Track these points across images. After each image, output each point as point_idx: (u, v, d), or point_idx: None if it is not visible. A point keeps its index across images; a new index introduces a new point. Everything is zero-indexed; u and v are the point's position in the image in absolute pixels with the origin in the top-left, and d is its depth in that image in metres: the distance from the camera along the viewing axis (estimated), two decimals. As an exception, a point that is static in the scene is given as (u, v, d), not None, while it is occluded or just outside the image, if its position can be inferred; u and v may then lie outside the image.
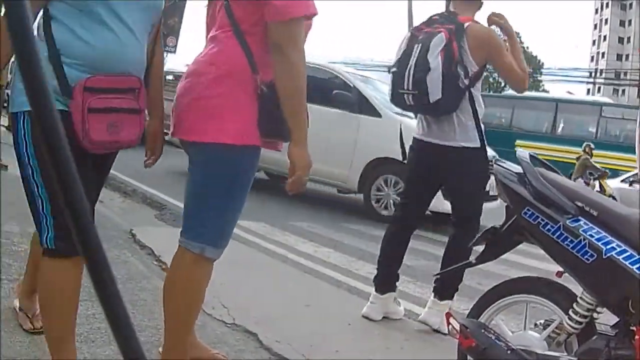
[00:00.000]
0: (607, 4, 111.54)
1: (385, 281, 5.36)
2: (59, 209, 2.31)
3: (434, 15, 5.20)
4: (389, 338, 4.93)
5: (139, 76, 3.10)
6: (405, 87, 4.94)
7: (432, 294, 5.30)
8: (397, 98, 5.10)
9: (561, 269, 3.39)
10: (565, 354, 3.36)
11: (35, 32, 2.76)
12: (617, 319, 3.28)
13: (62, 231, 2.94)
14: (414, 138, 5.33)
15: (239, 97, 3.14)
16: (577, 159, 22.84)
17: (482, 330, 3.46)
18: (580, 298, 3.31)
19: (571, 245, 3.15)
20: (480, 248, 3.70)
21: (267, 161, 11.58)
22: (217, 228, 3.34)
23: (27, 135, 2.89)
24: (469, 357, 3.65)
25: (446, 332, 4.81)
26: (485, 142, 5.07)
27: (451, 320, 3.58)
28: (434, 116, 5.09)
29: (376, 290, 5.34)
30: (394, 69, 5.11)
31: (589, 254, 3.12)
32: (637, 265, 3.05)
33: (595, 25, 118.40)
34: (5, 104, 13.70)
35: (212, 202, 3.28)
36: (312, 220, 10.06)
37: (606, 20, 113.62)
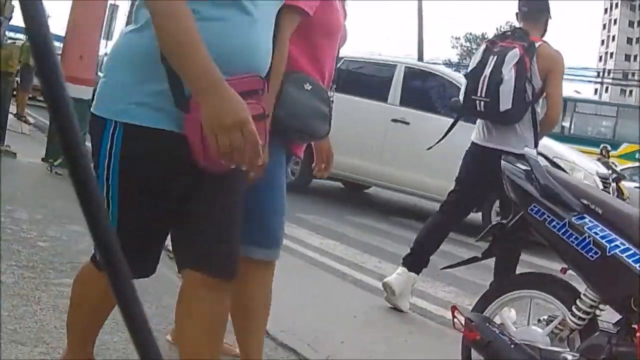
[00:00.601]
0: (617, 4, 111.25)
1: (416, 261, 5.56)
2: (123, 236, 1.93)
3: (507, 31, 5.58)
4: (393, 330, 4.99)
5: (261, 74, 2.57)
6: (479, 94, 5.26)
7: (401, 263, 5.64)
8: (468, 103, 5.39)
9: (565, 266, 3.44)
10: (568, 349, 3.41)
11: (136, 25, 2.41)
12: (620, 317, 3.33)
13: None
14: (473, 142, 5.58)
15: None
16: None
17: (487, 324, 3.51)
18: (584, 295, 3.35)
19: (576, 242, 3.20)
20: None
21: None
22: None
23: (115, 150, 2.41)
24: (472, 350, 3.70)
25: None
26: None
27: (456, 313, 3.63)
28: (499, 124, 5.37)
29: (403, 265, 5.56)
30: (469, 76, 5.41)
31: (593, 251, 3.17)
32: (641, 264, 3.11)
33: (604, 25, 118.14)
34: (15, 92, 13.77)
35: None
36: (318, 214, 10.09)
37: (615, 20, 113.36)
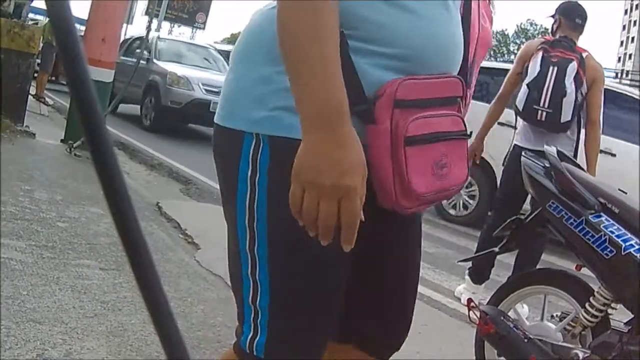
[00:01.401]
0: (637, 5, 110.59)
1: (476, 273, 5.80)
2: (285, 299, 1.68)
3: (555, 39, 5.60)
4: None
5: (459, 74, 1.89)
6: (541, 105, 5.37)
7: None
8: (528, 112, 5.47)
9: (580, 263, 3.47)
10: (580, 346, 3.44)
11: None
12: (631, 316, 3.36)
13: (281, 336, 1.75)
14: (518, 146, 5.62)
15: None
16: None
17: (502, 318, 3.54)
18: (597, 292, 3.38)
19: (592, 240, 3.22)
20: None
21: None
22: None
23: (260, 178, 1.67)
24: (486, 344, 3.74)
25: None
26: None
27: (472, 306, 3.66)
28: (556, 132, 5.46)
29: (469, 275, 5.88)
30: (531, 85, 5.48)
31: (608, 249, 3.19)
32: (655, 264, 3.13)
33: (624, 27, 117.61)
34: (35, 74, 13.82)
35: None
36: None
37: (635, 22, 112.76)
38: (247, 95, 1.68)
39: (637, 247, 3.17)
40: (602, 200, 3.31)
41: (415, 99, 1.67)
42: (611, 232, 3.22)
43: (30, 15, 19.51)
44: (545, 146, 3.69)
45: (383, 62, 1.64)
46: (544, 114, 5.36)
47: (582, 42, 5.57)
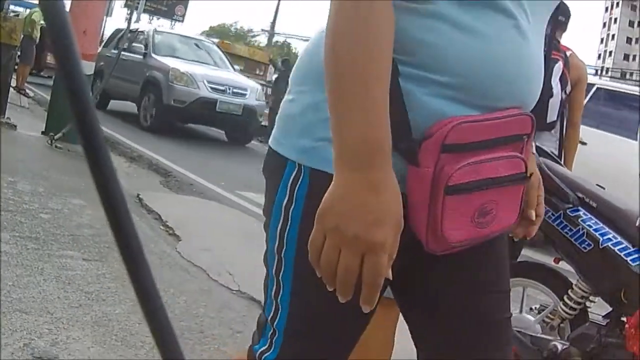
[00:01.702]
0: (618, 3, 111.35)
1: None
2: (299, 330, 1.65)
3: None
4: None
5: (530, 109, 1.68)
6: None
7: None
8: None
9: (559, 256, 3.53)
10: (558, 338, 3.50)
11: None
12: (610, 309, 3.42)
13: (290, 357, 1.73)
14: None
15: None
16: None
17: (480, 310, 3.61)
18: (575, 285, 3.45)
19: (570, 234, 3.29)
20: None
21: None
22: None
23: (295, 209, 1.58)
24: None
25: None
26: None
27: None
28: (541, 131, 5.50)
29: None
30: None
31: (586, 242, 3.26)
32: (632, 257, 3.19)
33: (605, 24, 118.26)
34: (16, 66, 13.78)
35: None
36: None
37: (615, 19, 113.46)
38: (296, 122, 1.56)
39: (614, 240, 3.23)
40: (580, 195, 3.37)
41: (469, 142, 1.46)
42: (589, 226, 3.28)
43: (11, 7, 19.45)
44: None
45: (439, 91, 1.45)
46: None
47: (564, 39, 5.64)
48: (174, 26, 55.44)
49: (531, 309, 3.76)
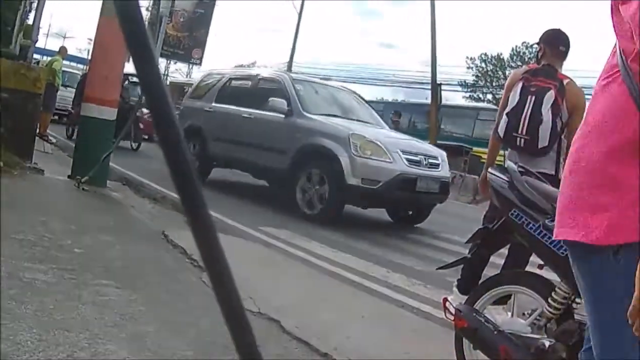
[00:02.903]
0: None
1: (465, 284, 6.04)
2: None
3: (537, 67, 6.01)
4: (397, 328, 5.54)
5: None
6: (520, 132, 5.82)
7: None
8: (509, 137, 5.92)
9: (542, 263, 3.91)
10: (546, 336, 3.86)
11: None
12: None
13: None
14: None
15: None
16: None
17: (474, 314, 3.99)
18: (558, 287, 3.80)
19: (549, 242, 3.64)
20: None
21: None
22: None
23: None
24: (464, 341, 4.18)
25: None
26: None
27: (447, 304, 4.11)
28: (536, 156, 5.85)
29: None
30: (510, 115, 5.89)
31: (563, 248, 3.61)
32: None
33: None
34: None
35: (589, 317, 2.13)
36: (334, 229, 10.66)
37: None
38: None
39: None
40: (555, 206, 3.75)
41: None
42: (564, 232, 3.66)
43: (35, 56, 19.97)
44: (508, 162, 4.14)
45: None
46: (522, 140, 5.78)
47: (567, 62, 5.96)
48: (191, 70, 55.88)
49: (523, 314, 4.12)
